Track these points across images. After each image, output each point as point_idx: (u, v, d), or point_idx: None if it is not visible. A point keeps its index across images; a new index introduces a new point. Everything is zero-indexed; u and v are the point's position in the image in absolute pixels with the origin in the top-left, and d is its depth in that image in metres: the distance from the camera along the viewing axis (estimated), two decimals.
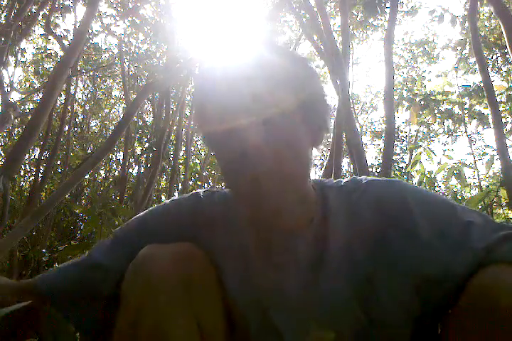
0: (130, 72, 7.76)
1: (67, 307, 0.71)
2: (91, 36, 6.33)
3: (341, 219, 0.68)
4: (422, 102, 4.87)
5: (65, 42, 5.63)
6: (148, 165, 6.40)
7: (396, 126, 8.68)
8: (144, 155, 7.41)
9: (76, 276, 0.73)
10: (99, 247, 0.76)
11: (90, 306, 0.72)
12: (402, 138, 12.05)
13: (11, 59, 5.45)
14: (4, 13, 5.21)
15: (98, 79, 9.39)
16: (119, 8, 5.69)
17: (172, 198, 0.80)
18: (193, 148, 9.62)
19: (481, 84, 3.95)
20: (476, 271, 0.59)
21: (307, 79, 0.67)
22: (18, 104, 4.95)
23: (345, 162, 8.59)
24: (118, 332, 0.62)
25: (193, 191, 0.80)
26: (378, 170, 8.66)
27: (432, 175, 3.30)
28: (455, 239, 0.62)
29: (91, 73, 7.91)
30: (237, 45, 0.69)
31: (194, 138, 9.41)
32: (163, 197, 9.18)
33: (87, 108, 10.44)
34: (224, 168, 0.67)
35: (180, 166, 7.88)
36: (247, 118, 0.61)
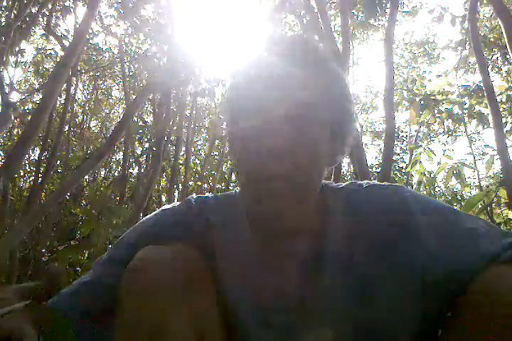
0: (130, 73, 7.75)
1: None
2: (91, 36, 6.32)
3: (340, 219, 0.69)
4: (422, 102, 4.86)
5: (65, 43, 5.63)
6: (149, 165, 6.40)
7: (396, 126, 8.67)
8: (144, 155, 7.40)
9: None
10: (97, 266, 0.76)
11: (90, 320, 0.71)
12: (402, 138, 12.04)
13: (11, 59, 5.46)
14: (4, 14, 5.21)
15: (98, 79, 9.39)
16: (120, 10, 5.68)
17: (163, 207, 0.80)
18: (193, 149, 9.61)
19: (481, 84, 3.95)
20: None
21: (342, 101, 0.68)
22: (18, 104, 4.94)
23: (346, 162, 8.58)
24: (117, 335, 0.61)
25: (185, 198, 0.80)
26: (378, 170, 8.65)
27: (432, 175, 3.30)
28: (461, 244, 0.62)
29: (91, 73, 7.91)
30: (277, 47, 0.68)
31: (194, 138, 9.41)
32: (163, 197, 9.18)
33: (87, 108, 10.43)
34: (241, 163, 0.66)
35: (181, 166, 7.87)
36: (281, 119, 0.61)
